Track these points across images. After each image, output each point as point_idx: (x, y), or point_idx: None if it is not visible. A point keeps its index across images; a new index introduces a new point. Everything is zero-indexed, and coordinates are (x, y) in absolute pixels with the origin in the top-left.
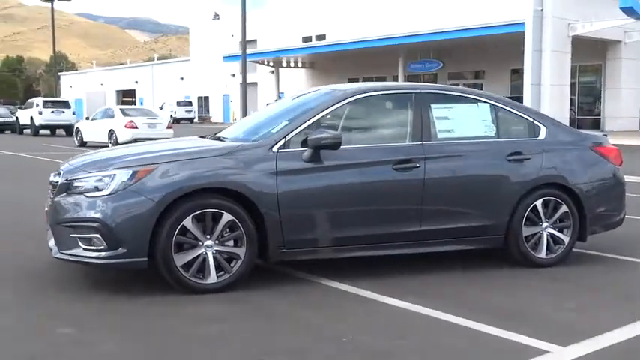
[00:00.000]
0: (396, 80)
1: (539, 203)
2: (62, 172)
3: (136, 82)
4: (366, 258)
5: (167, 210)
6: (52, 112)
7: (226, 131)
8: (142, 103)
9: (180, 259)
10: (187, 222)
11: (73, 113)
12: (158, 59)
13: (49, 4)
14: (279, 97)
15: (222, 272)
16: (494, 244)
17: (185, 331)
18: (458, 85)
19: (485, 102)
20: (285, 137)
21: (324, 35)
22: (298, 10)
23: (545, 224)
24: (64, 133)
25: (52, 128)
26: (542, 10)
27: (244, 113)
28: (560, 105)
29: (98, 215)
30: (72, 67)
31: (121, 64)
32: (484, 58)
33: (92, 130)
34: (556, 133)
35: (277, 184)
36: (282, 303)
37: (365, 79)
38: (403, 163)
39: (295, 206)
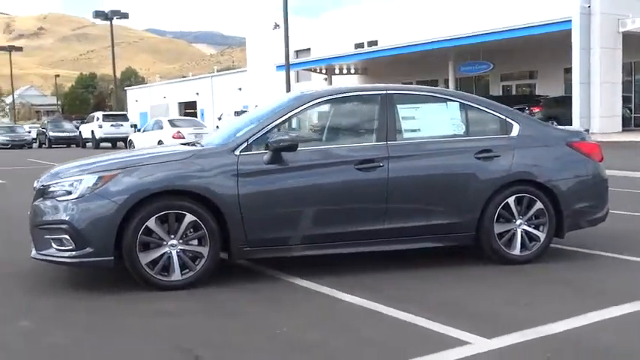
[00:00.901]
0: (447, 84)
1: (511, 200)
2: (41, 179)
3: (197, 93)
4: (334, 256)
5: (130, 212)
6: (112, 125)
7: (206, 137)
8: (202, 115)
9: (145, 258)
10: (151, 223)
11: (131, 126)
12: (219, 71)
13: (119, 23)
14: None
15: (187, 270)
16: (464, 241)
17: (137, 325)
18: (510, 86)
19: (454, 101)
20: (247, 140)
21: (376, 41)
22: (351, 17)
23: (518, 221)
24: (123, 145)
25: (112, 141)
26: (589, 6)
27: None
28: (612, 103)
29: (66, 217)
30: (142, 81)
31: (183, 77)
32: (536, 58)
33: (143, 141)
34: (529, 131)
35: (238, 185)
36: (239, 299)
37: (418, 83)
38: (365, 163)
39: (257, 206)
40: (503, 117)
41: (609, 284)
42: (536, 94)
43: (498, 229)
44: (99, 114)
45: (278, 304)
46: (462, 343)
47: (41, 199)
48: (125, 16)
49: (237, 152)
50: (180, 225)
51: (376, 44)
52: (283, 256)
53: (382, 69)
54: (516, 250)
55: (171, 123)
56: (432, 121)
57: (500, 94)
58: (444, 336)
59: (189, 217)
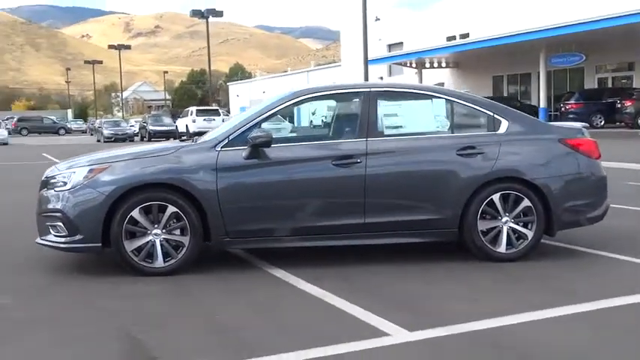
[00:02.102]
0: (538, 76)
1: (496, 197)
2: (47, 171)
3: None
4: (321, 249)
5: (116, 202)
6: (204, 119)
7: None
8: (299, 109)
9: (130, 245)
10: (135, 213)
11: (223, 120)
12: (319, 65)
13: (230, 20)
14: None
15: (170, 258)
16: (447, 237)
17: (100, 305)
18: (606, 79)
19: (440, 97)
20: (228, 137)
21: (468, 34)
22: (444, 10)
23: (505, 218)
24: None
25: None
26: None
27: None
28: None
29: (60, 206)
30: (249, 77)
31: (284, 72)
32: (633, 49)
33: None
34: (518, 127)
35: (217, 179)
36: (208, 287)
37: (509, 77)
38: (343, 159)
39: (234, 200)
40: (491, 113)
41: (583, 283)
42: (633, 87)
43: (483, 226)
44: (193, 109)
45: (238, 292)
46: (381, 334)
47: (45, 189)
48: (219, 14)
49: (218, 148)
50: (163, 215)
51: (468, 37)
52: (267, 247)
53: (473, 62)
54: (502, 248)
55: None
56: (416, 118)
57: (596, 86)
58: (367, 326)
59: (171, 209)
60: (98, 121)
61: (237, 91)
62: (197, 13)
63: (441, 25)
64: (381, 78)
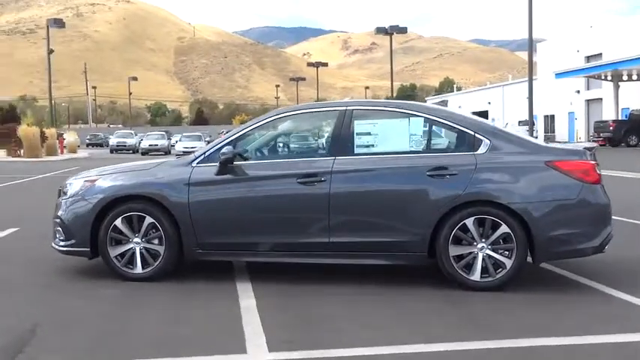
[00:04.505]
0: None
1: (469, 222)
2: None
3: (489, 103)
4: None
5: (102, 212)
6: None
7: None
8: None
9: (113, 251)
10: (118, 222)
11: None
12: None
13: (445, 35)
14: (622, 114)
15: (148, 265)
16: (416, 261)
17: (54, 301)
18: None
19: (419, 116)
20: (204, 153)
21: None
22: None
23: (480, 244)
24: None
25: None
26: None
27: (587, 132)
28: None
29: (60, 213)
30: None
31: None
32: None
33: None
34: (500, 148)
35: (189, 193)
36: (160, 294)
37: None
38: (307, 177)
39: (205, 213)
40: (472, 133)
41: (523, 317)
42: None
43: (455, 251)
44: None
45: (182, 300)
46: (241, 350)
47: (59, 198)
48: (403, 30)
49: (194, 164)
50: (142, 225)
51: None
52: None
53: None
54: (476, 276)
55: None
56: (390, 137)
57: None
58: (241, 342)
59: (148, 219)
60: None
61: None
62: (381, 30)
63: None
64: (578, 92)
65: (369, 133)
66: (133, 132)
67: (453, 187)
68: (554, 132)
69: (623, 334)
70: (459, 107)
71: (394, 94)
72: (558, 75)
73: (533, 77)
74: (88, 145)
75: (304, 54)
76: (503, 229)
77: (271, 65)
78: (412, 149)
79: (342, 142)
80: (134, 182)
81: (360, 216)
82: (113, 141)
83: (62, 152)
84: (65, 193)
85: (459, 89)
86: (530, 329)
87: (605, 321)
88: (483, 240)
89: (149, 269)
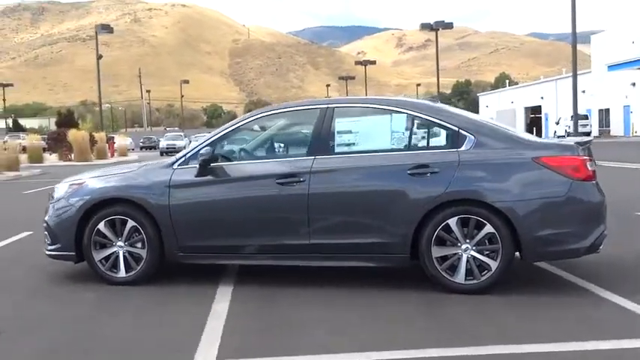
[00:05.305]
0: None
1: (452, 222)
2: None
3: (542, 97)
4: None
5: (85, 215)
6: None
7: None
8: (546, 119)
9: (98, 255)
10: (101, 225)
11: None
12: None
13: (502, 30)
14: None
15: (131, 269)
16: (398, 263)
17: (31, 305)
18: None
19: (401, 113)
20: (184, 155)
21: None
22: None
23: (465, 245)
24: None
25: None
26: None
27: None
28: None
29: (47, 217)
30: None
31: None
32: None
33: None
34: (486, 144)
35: (169, 195)
36: (132, 299)
37: None
38: (286, 177)
39: (184, 216)
40: (456, 128)
41: (505, 321)
42: None
43: (438, 252)
44: None
45: (158, 304)
46: (188, 358)
47: (48, 202)
48: (449, 26)
49: (174, 166)
50: (124, 229)
51: None
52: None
53: None
54: (460, 278)
55: None
56: (371, 135)
57: None
58: (192, 349)
59: (130, 223)
60: None
61: (486, 102)
62: (426, 26)
63: None
64: (633, 84)
65: (350, 132)
66: (182, 134)
67: (434, 186)
68: (609, 126)
69: (611, 340)
70: (512, 102)
71: (449, 91)
72: (611, 67)
73: (588, 70)
74: (141, 147)
75: (358, 52)
76: (488, 229)
77: (325, 65)
78: (393, 147)
79: (322, 141)
80: (116, 185)
81: (340, 217)
82: (163, 143)
83: (112, 155)
84: (52, 197)
85: (515, 84)
86: (513, 334)
87: (594, 326)
88: (468, 241)
89: (132, 273)
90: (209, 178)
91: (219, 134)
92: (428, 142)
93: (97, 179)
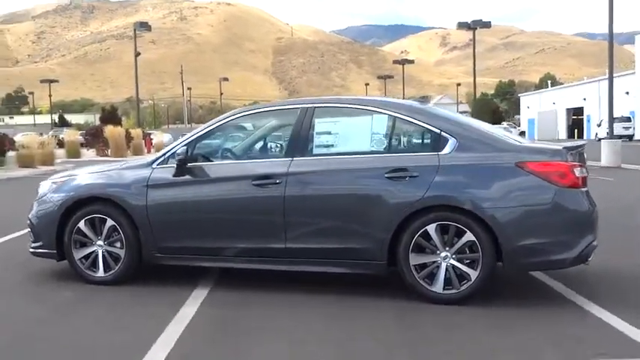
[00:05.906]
0: None
1: (431, 228)
2: None
3: (584, 99)
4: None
5: (66, 213)
6: None
7: None
8: (589, 121)
9: (78, 254)
10: (81, 224)
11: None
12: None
13: (548, 30)
14: None
15: (109, 269)
16: (375, 269)
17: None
18: None
19: (382, 113)
20: (164, 154)
21: None
22: None
23: (444, 253)
24: None
25: None
26: None
27: None
28: None
29: (30, 215)
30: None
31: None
32: None
33: None
34: (468, 147)
35: (147, 195)
36: (111, 298)
37: None
38: (262, 179)
39: (161, 216)
40: (438, 131)
41: (480, 336)
42: None
43: (416, 260)
44: None
45: (128, 306)
46: (139, 356)
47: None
48: (487, 25)
49: (154, 165)
50: (103, 228)
51: None
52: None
53: None
54: (438, 287)
55: None
56: (351, 136)
57: None
58: (140, 354)
59: (109, 222)
60: None
61: (528, 103)
62: (463, 25)
63: None
64: None
65: (329, 133)
66: None
67: (412, 191)
68: None
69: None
70: (553, 103)
71: (492, 91)
72: None
73: (632, 71)
74: None
75: (402, 51)
76: (468, 236)
77: (368, 63)
78: (373, 149)
79: (300, 142)
80: (96, 184)
81: (316, 221)
82: None
83: (149, 151)
84: (37, 194)
85: (559, 84)
86: (487, 350)
87: (575, 343)
88: (447, 248)
89: (111, 273)
90: (186, 178)
91: (198, 134)
92: (408, 145)
93: (79, 177)
